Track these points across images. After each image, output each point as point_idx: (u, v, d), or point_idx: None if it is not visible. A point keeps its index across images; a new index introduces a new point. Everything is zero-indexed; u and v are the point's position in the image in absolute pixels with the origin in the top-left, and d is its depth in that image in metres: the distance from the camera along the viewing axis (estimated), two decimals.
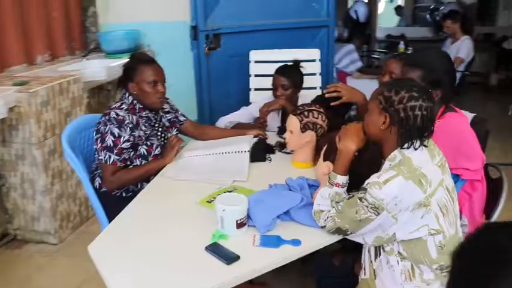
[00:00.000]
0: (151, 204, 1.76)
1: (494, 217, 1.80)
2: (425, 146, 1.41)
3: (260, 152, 2.16)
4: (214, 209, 1.52)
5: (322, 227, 1.50)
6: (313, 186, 1.73)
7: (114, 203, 2.07)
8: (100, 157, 2.00)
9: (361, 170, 1.49)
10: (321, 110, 1.99)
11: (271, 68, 3.16)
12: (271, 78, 3.14)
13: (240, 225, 1.49)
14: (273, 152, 2.24)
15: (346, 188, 1.50)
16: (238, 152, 2.08)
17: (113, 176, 2.00)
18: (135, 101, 2.09)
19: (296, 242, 1.46)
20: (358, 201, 1.37)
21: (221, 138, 2.32)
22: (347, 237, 1.47)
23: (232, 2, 3.35)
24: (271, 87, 3.14)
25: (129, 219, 1.64)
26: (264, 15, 3.50)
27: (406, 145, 1.39)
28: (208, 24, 3.25)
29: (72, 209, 2.90)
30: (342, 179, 1.48)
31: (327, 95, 2.10)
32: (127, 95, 2.11)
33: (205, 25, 3.24)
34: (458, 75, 4.76)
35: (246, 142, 2.14)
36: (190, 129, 2.38)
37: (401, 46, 5.42)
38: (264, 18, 3.50)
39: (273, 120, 2.57)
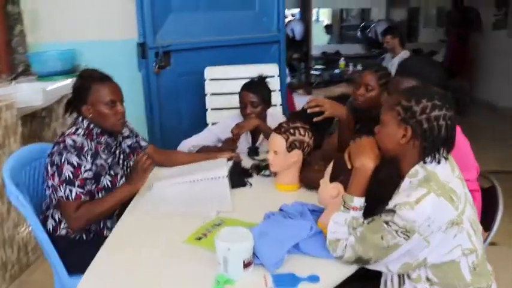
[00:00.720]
0: (127, 249, 1.46)
1: (494, 229, 1.72)
2: (446, 158, 1.28)
3: (238, 177, 1.94)
4: (213, 248, 1.28)
5: (337, 258, 1.31)
6: (315, 212, 1.54)
7: (72, 248, 1.77)
8: (59, 193, 1.68)
9: (377, 190, 1.33)
10: (306, 126, 1.82)
11: (229, 86, 3.01)
12: (229, 96, 2.98)
13: (246, 265, 1.26)
14: (251, 176, 2.03)
15: (362, 211, 1.33)
16: (215, 178, 1.85)
17: (76, 212, 1.69)
18: (91, 125, 1.80)
19: (314, 279, 1.25)
20: (384, 225, 1.21)
21: (189, 163, 2.08)
22: (367, 266, 1.30)
23: (181, 17, 3.13)
24: (229, 106, 2.97)
25: (104, 272, 1.34)
26: (214, 31, 3.31)
27: (428, 159, 1.26)
28: (157, 41, 2.99)
29: (9, 256, 2.46)
30: (360, 201, 1.31)
31: (309, 110, 1.94)
32: (80, 119, 1.80)
33: (154, 42, 2.97)
34: None
35: (222, 166, 1.92)
36: (154, 156, 2.10)
37: (342, 62, 5.50)
38: (215, 35, 3.31)
39: (243, 140, 2.37)
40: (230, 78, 3.02)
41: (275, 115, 2.46)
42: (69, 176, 1.66)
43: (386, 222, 1.21)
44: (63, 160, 1.66)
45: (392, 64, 4.94)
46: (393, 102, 1.28)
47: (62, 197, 1.67)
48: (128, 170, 1.92)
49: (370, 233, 1.25)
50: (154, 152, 2.12)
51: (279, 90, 3.05)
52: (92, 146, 1.75)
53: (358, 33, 7.59)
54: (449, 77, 1.84)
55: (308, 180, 1.82)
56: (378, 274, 1.38)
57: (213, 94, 2.99)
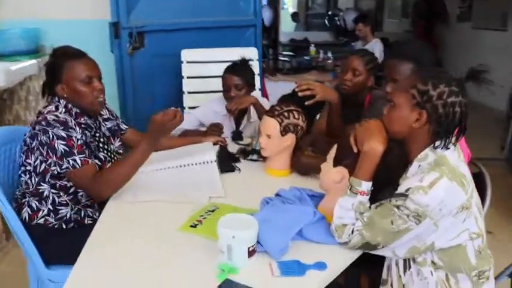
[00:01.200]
0: (117, 239, 1.36)
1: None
2: (454, 144, 1.26)
3: (226, 161, 1.87)
4: (210, 235, 1.23)
5: (342, 244, 1.27)
6: (313, 197, 1.49)
7: (50, 237, 1.65)
8: (63, 168, 1.55)
9: (382, 174, 1.29)
10: (299, 109, 1.76)
11: (206, 69, 2.90)
12: (206, 79, 2.89)
13: (251, 253, 1.19)
14: (238, 161, 1.96)
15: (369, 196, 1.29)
16: (204, 162, 1.76)
17: (95, 177, 1.56)
18: (69, 105, 1.67)
19: (321, 266, 1.21)
20: (395, 209, 1.18)
21: (173, 148, 1.97)
22: (373, 252, 1.26)
23: None
24: (207, 90, 2.87)
25: (94, 264, 1.23)
26: (190, 12, 3.18)
27: (439, 143, 1.23)
28: (131, 21, 2.84)
29: None
30: (367, 185, 1.27)
31: (300, 94, 1.88)
32: (57, 98, 1.67)
33: (128, 22, 2.82)
34: None
35: (209, 150, 1.83)
36: (135, 140, 1.98)
37: (313, 49, 5.48)
38: (190, 16, 3.18)
39: (226, 124, 2.28)
40: (208, 61, 2.92)
41: (260, 99, 2.39)
42: (64, 150, 1.54)
43: (397, 207, 1.18)
44: (51, 136, 1.54)
45: None
46: (408, 85, 1.24)
47: (68, 168, 1.55)
48: (109, 155, 1.79)
49: (379, 217, 1.21)
50: (135, 135, 2.00)
51: (258, 75, 2.97)
52: (74, 125, 1.62)
53: (326, 21, 7.58)
54: None
55: (300, 165, 1.77)
56: (381, 258, 1.36)
57: (189, 77, 2.88)
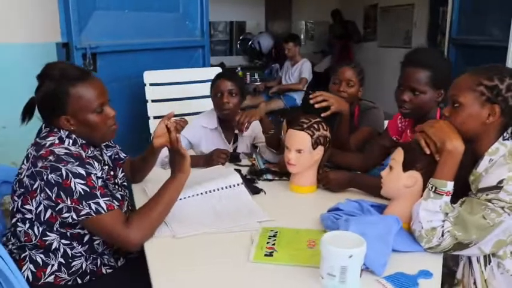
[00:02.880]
0: (185, 278, 1.15)
1: None
2: None
3: (249, 184, 1.72)
4: (292, 262, 1.15)
5: (430, 248, 1.23)
6: (374, 207, 1.43)
7: None
8: (82, 214, 1.25)
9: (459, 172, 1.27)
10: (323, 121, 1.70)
11: (170, 92, 2.72)
12: (173, 103, 2.69)
13: (361, 273, 1.08)
14: (255, 182, 1.82)
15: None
16: (231, 186, 1.61)
17: (127, 223, 1.28)
18: (72, 135, 1.39)
19: (427, 274, 1.15)
20: (488, 203, 1.17)
21: None
22: (461, 252, 1.23)
23: (104, 17, 2.71)
24: (176, 113, 2.67)
25: None
26: (139, 33, 2.96)
27: (507, 135, 1.26)
28: (82, 42, 2.54)
29: None
30: (451, 185, 1.24)
31: (317, 106, 1.81)
32: (56, 129, 1.38)
33: (81, 42, 2.51)
34: (302, 94, 5.06)
35: (231, 173, 1.68)
36: (133, 170, 1.74)
37: (240, 71, 5.48)
38: (139, 37, 2.96)
39: (219, 145, 2.13)
40: (168, 83, 2.73)
41: (254, 123, 2.26)
42: (83, 190, 1.25)
43: (489, 201, 1.17)
44: (65, 175, 1.24)
45: (292, 73, 5.11)
46: (473, 83, 1.25)
47: (89, 215, 1.25)
48: (119, 189, 1.53)
49: (468, 215, 1.19)
50: (131, 165, 1.76)
51: None
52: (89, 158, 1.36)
53: (238, 45, 7.67)
54: None
55: (329, 181, 1.69)
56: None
57: (154, 101, 2.65)
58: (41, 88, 1.36)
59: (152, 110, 2.63)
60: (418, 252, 1.25)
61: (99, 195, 1.27)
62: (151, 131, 2.63)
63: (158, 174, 1.77)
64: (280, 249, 1.24)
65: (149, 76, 2.65)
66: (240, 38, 7.58)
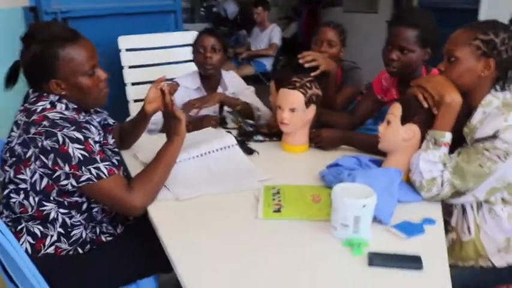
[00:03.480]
0: (199, 238, 1.14)
1: None
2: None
3: (242, 145, 1.71)
4: (300, 216, 1.18)
5: (430, 198, 1.28)
6: (371, 162, 1.46)
7: (66, 269, 1.31)
8: (82, 180, 1.21)
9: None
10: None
11: (146, 57, 2.63)
12: (150, 68, 2.61)
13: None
14: (246, 144, 1.81)
15: None
16: (226, 147, 1.59)
17: (129, 189, 1.25)
18: (64, 100, 1.32)
19: (431, 221, 1.20)
20: (485, 152, 1.22)
21: None
22: (457, 200, 1.29)
23: None
24: (152, 79, 2.59)
25: (200, 267, 1.02)
26: None
27: (498, 87, 1.30)
28: (52, 6, 2.39)
29: None
30: (450, 136, 1.28)
31: (306, 65, 1.81)
32: (46, 93, 1.31)
33: (50, 6, 2.37)
34: (272, 60, 5.03)
35: (225, 134, 1.66)
36: (122, 136, 1.69)
37: None
38: (110, 1, 2.83)
39: (209, 110, 2.10)
40: (145, 48, 2.65)
41: (231, 74, 2.22)
42: (82, 156, 1.19)
43: (486, 150, 1.22)
44: (61, 140, 1.18)
45: (261, 38, 5.06)
46: (469, 38, 1.28)
47: (90, 180, 1.20)
48: (114, 154, 1.49)
49: (466, 164, 1.24)
50: (120, 131, 1.71)
51: None
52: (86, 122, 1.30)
53: (202, 12, 7.46)
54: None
55: (322, 139, 1.71)
56: None
57: (131, 67, 2.56)
58: (27, 51, 1.27)
59: (128, 76, 2.55)
60: (418, 202, 1.30)
61: (98, 159, 1.22)
62: (129, 98, 2.56)
63: (146, 141, 1.74)
64: (287, 205, 1.26)
65: (124, 41, 2.55)
66: (204, 4, 7.38)
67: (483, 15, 2.75)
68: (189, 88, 2.11)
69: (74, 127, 1.22)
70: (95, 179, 1.21)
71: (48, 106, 1.27)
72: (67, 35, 1.29)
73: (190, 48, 2.71)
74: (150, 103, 1.51)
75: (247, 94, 2.15)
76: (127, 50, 2.55)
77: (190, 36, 2.82)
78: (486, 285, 1.26)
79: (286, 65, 5.37)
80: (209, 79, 2.11)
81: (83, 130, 1.23)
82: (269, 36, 4.92)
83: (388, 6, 5.92)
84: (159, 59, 2.66)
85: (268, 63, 4.96)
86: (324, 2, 6.40)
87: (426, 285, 0.96)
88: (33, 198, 1.27)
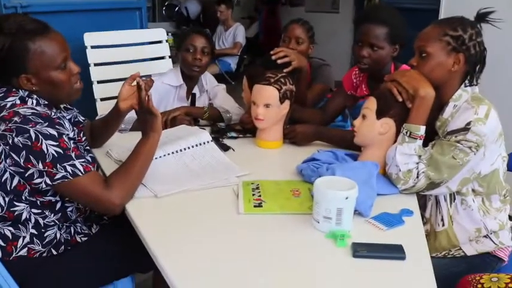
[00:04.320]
0: (182, 235, 1.12)
1: None
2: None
3: (216, 142, 1.69)
4: (281, 210, 1.19)
5: (406, 190, 1.32)
6: (347, 156, 1.48)
7: (39, 271, 1.26)
8: (56, 178, 1.16)
9: None
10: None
11: (113, 55, 2.56)
12: (115, 66, 2.54)
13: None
14: (220, 140, 1.80)
15: None
16: (202, 143, 1.58)
17: (107, 186, 1.21)
18: (34, 95, 1.26)
19: (409, 212, 1.23)
20: (457, 144, 1.26)
21: None
22: (432, 191, 1.33)
23: None
24: (119, 77, 2.52)
25: (186, 266, 1.00)
26: None
27: (467, 82, 1.36)
28: (12, 0, 2.29)
29: None
30: (424, 129, 1.32)
31: (279, 61, 1.81)
32: (14, 88, 1.25)
33: (10, 0, 2.27)
34: (237, 59, 5.03)
35: (201, 131, 1.64)
36: (93, 135, 1.64)
37: (171, 37, 5.30)
38: None
39: (176, 97, 2.07)
40: (111, 45, 2.57)
41: (208, 75, 2.20)
42: (57, 152, 1.15)
43: (458, 141, 1.26)
44: (34, 136, 1.13)
45: (225, 37, 5.04)
46: (439, 34, 1.33)
47: (65, 178, 1.15)
48: (87, 151, 1.44)
49: (440, 156, 1.28)
50: (91, 129, 1.65)
51: (169, 57, 2.76)
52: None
53: (163, 12, 7.36)
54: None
55: (296, 134, 1.72)
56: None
57: (97, 64, 2.48)
58: None
59: (95, 74, 2.47)
60: (394, 194, 1.33)
61: (74, 156, 1.18)
62: (96, 96, 2.48)
63: (118, 139, 1.70)
64: (268, 199, 1.26)
65: (89, 38, 2.47)
66: (166, 3, 7.28)
67: (444, 15, 2.85)
68: (170, 85, 2.07)
69: (47, 123, 1.17)
70: (70, 177, 1.16)
71: (18, 102, 1.22)
72: (37, 27, 1.23)
73: (156, 46, 2.69)
74: (124, 100, 1.47)
75: (218, 91, 2.14)
76: (92, 47, 2.47)
77: (156, 33, 2.80)
78: (459, 274, 1.30)
79: (250, 64, 5.40)
80: (191, 78, 2.08)
81: (57, 126, 1.18)
82: (233, 35, 4.91)
83: (349, 6, 6.05)
84: (125, 56, 2.60)
85: (232, 62, 4.95)
86: (282, 2, 6.45)
87: (410, 273, 0.98)
88: (3, 198, 1.21)
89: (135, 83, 1.42)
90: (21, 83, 1.23)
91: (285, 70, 1.80)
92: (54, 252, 1.29)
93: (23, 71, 1.22)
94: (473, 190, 1.37)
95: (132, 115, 1.59)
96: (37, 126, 1.15)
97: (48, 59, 1.23)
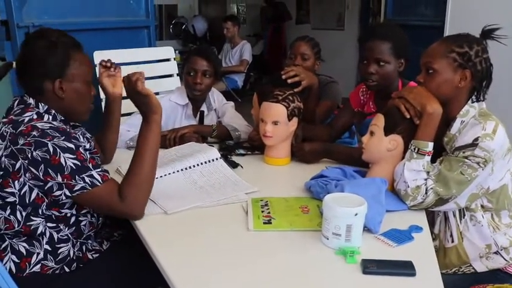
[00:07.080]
0: (192, 252, 1.13)
1: None
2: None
3: (225, 159, 1.71)
4: (290, 227, 1.19)
5: (414, 206, 1.32)
6: (357, 172, 1.49)
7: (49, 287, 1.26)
8: (76, 188, 1.18)
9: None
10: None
11: (122, 73, 2.59)
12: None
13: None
14: (229, 157, 1.81)
15: None
16: (211, 160, 1.59)
17: (122, 195, 1.22)
18: (52, 111, 1.30)
19: (418, 229, 1.23)
20: (465, 160, 1.27)
21: None
22: (440, 207, 1.33)
23: None
24: (124, 95, 2.56)
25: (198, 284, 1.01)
26: (82, 11, 2.80)
27: (474, 98, 1.37)
28: (24, 19, 2.35)
29: None
30: (432, 145, 1.33)
31: (289, 81, 1.83)
32: (33, 103, 1.28)
33: (22, 20, 2.32)
34: (243, 76, 5.08)
35: (209, 148, 1.66)
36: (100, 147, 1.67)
37: (178, 55, 5.37)
38: (83, 16, 2.80)
39: (184, 115, 2.10)
40: (120, 63, 2.61)
41: (212, 89, 2.21)
42: (75, 165, 1.17)
43: (466, 157, 1.27)
44: (52, 150, 1.16)
45: (232, 55, 5.10)
46: (445, 51, 1.34)
47: (84, 189, 1.18)
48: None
49: (448, 172, 1.28)
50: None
51: (177, 75, 2.80)
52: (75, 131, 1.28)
53: (170, 30, 7.46)
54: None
55: (304, 153, 1.73)
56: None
57: None
58: (34, 46, 1.28)
59: None
60: (403, 210, 1.33)
61: (91, 167, 1.21)
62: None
63: (127, 155, 1.70)
64: (277, 216, 1.26)
65: (99, 56, 2.51)
66: (173, 22, 7.38)
67: (449, 32, 2.88)
68: (176, 104, 2.09)
69: (64, 137, 1.20)
70: (89, 187, 1.19)
71: (35, 117, 1.25)
72: (76, 42, 1.35)
73: (165, 64, 2.73)
74: (114, 86, 1.60)
75: (227, 109, 2.16)
76: None
77: (165, 51, 2.84)
78: None
79: (256, 81, 5.45)
80: (195, 98, 2.10)
81: (73, 140, 1.21)
82: (240, 52, 4.97)
83: (354, 23, 6.12)
84: None
85: (239, 80, 5.00)
86: (286, 17, 6.52)
87: None
88: (21, 212, 1.23)
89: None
90: (54, 87, 1.27)
91: (295, 90, 1.81)
92: (67, 270, 1.30)
93: (60, 76, 1.27)
94: (482, 206, 1.37)
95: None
96: (54, 140, 1.18)
97: (83, 72, 1.32)
